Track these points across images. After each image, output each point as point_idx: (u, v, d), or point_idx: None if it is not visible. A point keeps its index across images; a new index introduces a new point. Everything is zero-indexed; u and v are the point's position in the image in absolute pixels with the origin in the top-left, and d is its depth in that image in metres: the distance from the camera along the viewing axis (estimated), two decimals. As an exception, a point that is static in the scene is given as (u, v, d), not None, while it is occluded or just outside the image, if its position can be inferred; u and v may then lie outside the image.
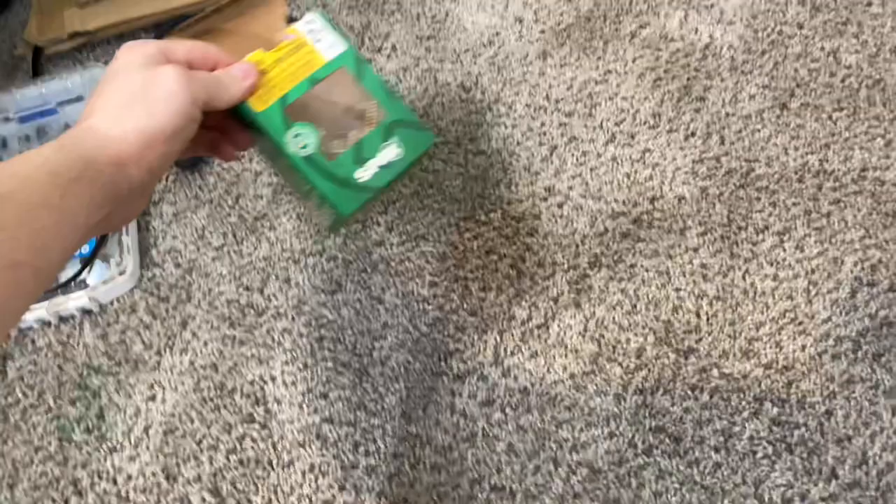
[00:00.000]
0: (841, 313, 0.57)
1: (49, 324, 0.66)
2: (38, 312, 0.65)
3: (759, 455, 0.53)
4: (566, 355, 0.59)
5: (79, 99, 0.80)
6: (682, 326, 0.59)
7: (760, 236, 0.62)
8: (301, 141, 0.46)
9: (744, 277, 0.60)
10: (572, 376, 0.58)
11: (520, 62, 0.76)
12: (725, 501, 0.52)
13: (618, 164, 0.67)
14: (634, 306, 0.60)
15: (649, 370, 0.57)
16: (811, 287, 0.59)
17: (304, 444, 0.58)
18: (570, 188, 0.67)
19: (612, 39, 0.75)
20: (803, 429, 0.53)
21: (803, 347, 0.56)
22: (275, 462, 0.57)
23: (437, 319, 0.62)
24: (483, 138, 0.71)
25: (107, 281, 0.66)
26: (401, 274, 0.64)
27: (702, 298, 0.60)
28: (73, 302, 0.65)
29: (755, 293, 0.59)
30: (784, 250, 0.61)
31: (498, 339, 0.60)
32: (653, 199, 0.65)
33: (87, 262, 0.55)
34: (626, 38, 0.75)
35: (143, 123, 0.36)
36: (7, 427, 0.62)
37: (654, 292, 0.60)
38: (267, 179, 0.72)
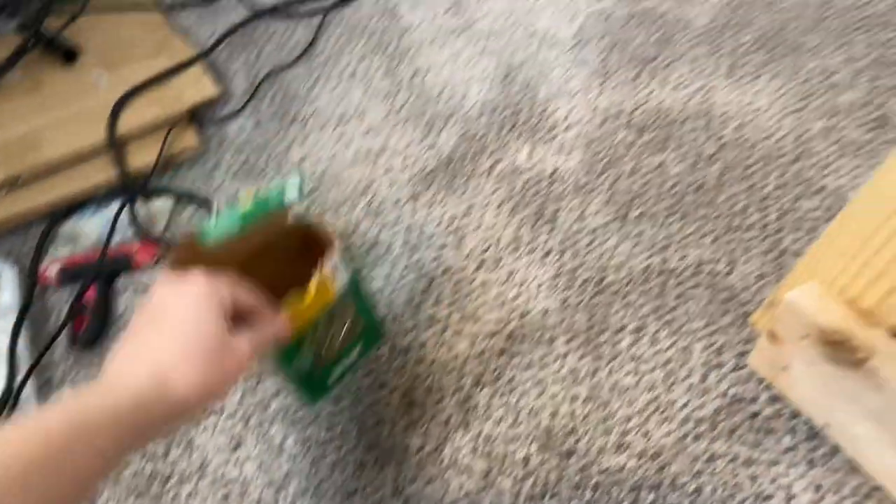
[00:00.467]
0: (696, 397, 0.64)
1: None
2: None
3: (643, 543, 0.57)
4: (461, 475, 0.62)
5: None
6: (560, 430, 0.64)
7: (619, 336, 0.69)
8: (302, 364, 0.58)
9: (609, 376, 0.66)
10: (467, 494, 0.61)
11: (393, 206, 0.84)
12: None
13: (488, 287, 0.74)
14: (517, 418, 0.65)
15: (536, 476, 0.61)
16: (668, 377, 0.65)
17: None
18: (449, 315, 0.73)
19: (472, 176, 0.85)
20: (678, 510, 0.58)
21: (668, 433, 0.62)
22: None
23: (336, 461, 0.65)
24: (367, 279, 0.77)
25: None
26: (299, 422, 0.67)
27: (575, 401, 0.65)
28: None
29: (621, 389, 0.65)
30: (641, 346, 0.68)
31: (396, 471, 0.63)
32: (522, 315, 0.72)
33: None
34: (484, 174, 0.85)
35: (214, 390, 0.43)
36: None
37: (532, 402, 0.66)
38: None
